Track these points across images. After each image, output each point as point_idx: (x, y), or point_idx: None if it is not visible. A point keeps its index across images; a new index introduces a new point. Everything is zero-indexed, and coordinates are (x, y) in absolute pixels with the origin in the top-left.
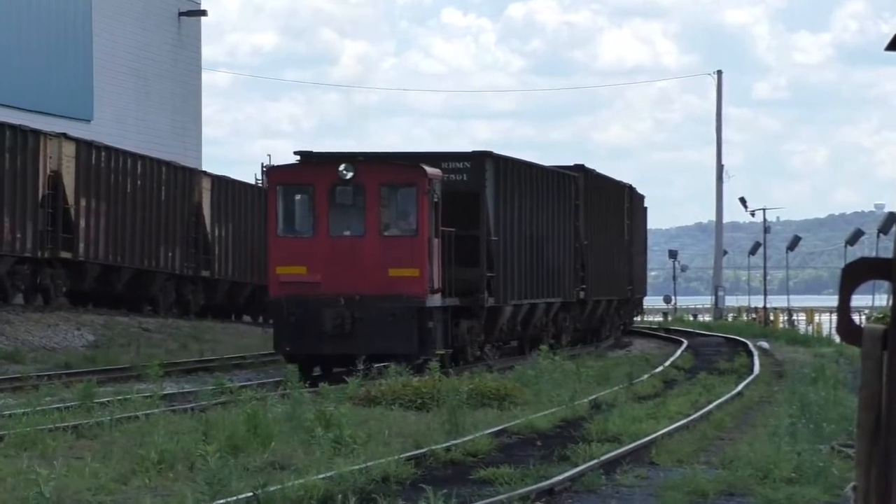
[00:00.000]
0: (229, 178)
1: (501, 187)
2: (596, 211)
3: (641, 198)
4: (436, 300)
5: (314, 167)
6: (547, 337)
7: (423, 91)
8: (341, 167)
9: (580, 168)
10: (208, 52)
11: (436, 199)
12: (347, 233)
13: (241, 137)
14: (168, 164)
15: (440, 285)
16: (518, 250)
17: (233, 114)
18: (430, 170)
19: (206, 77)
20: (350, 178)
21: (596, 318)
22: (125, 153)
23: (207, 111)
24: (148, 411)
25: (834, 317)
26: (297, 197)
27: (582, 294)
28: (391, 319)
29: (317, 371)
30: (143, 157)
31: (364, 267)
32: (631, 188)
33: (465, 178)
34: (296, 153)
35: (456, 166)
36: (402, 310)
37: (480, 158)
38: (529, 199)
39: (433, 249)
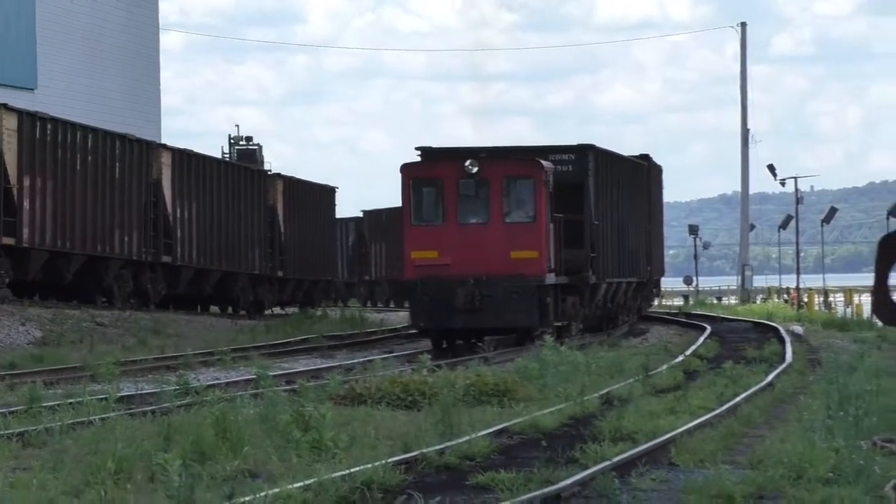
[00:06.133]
0: (192, 151)
1: (600, 177)
2: (653, 196)
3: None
4: (551, 278)
5: (441, 162)
6: (624, 314)
7: (402, 51)
8: (468, 163)
9: (645, 157)
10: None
11: (550, 189)
12: (474, 220)
13: (199, 106)
14: (123, 136)
15: (554, 265)
16: (611, 234)
17: (189, 79)
18: (545, 163)
19: (160, 39)
20: (475, 173)
21: (648, 296)
22: (74, 125)
23: (161, 77)
24: (103, 415)
25: None
26: (426, 189)
27: (648, 274)
28: (515, 296)
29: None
30: (94, 130)
31: (489, 250)
32: (660, 168)
33: (570, 169)
34: (416, 148)
35: (562, 158)
36: (523, 288)
37: (584, 151)
38: (618, 187)
39: (549, 233)
